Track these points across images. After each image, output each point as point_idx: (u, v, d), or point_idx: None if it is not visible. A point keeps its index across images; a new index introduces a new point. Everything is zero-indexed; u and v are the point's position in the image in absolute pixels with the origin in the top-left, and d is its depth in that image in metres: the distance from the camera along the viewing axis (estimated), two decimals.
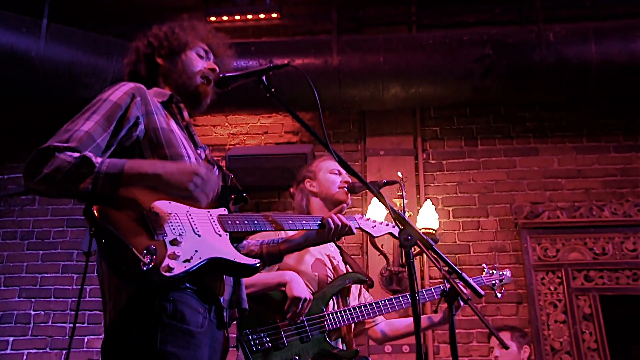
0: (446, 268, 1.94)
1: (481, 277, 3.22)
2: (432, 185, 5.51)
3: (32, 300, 5.38)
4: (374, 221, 2.62)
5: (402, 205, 4.46)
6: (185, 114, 2.14)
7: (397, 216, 1.90)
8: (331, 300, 2.81)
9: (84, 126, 1.80)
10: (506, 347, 2.16)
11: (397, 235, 2.62)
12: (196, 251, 1.77)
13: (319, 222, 2.29)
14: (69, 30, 5.15)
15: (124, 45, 5.23)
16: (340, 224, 2.30)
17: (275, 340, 2.63)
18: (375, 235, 2.60)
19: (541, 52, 4.97)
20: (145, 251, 1.67)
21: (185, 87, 2.15)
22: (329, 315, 2.75)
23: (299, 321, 2.66)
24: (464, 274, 1.92)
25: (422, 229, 4.82)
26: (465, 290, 2.09)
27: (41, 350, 5.20)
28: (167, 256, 1.70)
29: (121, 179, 1.74)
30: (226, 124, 5.92)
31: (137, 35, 2.27)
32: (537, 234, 5.15)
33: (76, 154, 1.73)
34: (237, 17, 5.73)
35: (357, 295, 3.03)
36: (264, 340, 2.62)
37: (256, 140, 5.83)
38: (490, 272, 3.25)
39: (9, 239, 5.60)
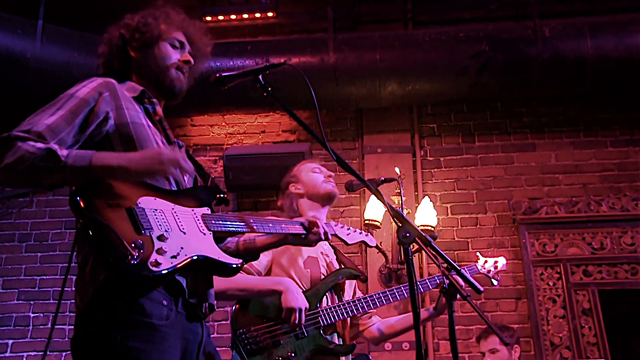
0: (445, 265, 1.94)
1: (475, 265, 3.23)
2: (430, 182, 5.51)
3: (31, 302, 5.36)
4: (349, 228, 2.67)
5: (400, 202, 4.49)
6: (158, 108, 2.11)
7: (395, 213, 1.90)
8: (325, 297, 2.82)
9: (47, 120, 1.79)
10: (506, 343, 2.16)
11: (369, 243, 2.75)
12: (182, 248, 1.77)
13: (300, 225, 2.28)
14: (64, 31, 5.14)
15: None
16: (323, 231, 2.30)
17: (270, 338, 2.65)
18: (349, 242, 2.67)
19: (537, 48, 4.98)
20: (133, 245, 1.66)
21: (159, 81, 2.12)
22: (323, 312, 2.76)
23: (298, 330, 2.67)
24: (462, 270, 1.93)
25: (421, 226, 4.82)
26: (463, 286, 2.10)
27: (41, 353, 5.19)
28: (155, 251, 1.69)
29: (88, 172, 1.71)
30: (223, 124, 5.91)
31: (109, 27, 2.24)
32: (536, 230, 5.15)
33: (40, 144, 1.70)
34: (233, 17, 5.73)
35: (352, 292, 3.04)
36: (259, 339, 2.63)
37: (254, 139, 5.83)
38: (485, 259, 3.27)
39: (7, 242, 5.59)
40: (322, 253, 2.95)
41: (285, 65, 2.16)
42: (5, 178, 1.71)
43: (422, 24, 5.90)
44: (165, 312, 1.77)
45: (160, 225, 1.77)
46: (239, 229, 2.06)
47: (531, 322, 4.89)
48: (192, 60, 2.17)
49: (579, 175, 5.40)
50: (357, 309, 2.84)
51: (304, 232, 2.27)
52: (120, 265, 1.63)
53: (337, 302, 2.87)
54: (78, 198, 1.69)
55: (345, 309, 2.82)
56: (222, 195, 2.07)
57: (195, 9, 5.71)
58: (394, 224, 2.06)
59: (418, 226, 4.70)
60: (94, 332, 1.72)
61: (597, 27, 5.00)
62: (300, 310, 2.59)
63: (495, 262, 3.27)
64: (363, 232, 2.75)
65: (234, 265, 1.92)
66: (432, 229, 4.86)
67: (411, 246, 1.88)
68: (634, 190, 5.25)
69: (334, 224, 2.55)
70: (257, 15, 5.73)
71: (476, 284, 1.93)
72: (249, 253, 2.26)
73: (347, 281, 2.98)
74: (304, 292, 2.73)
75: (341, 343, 2.82)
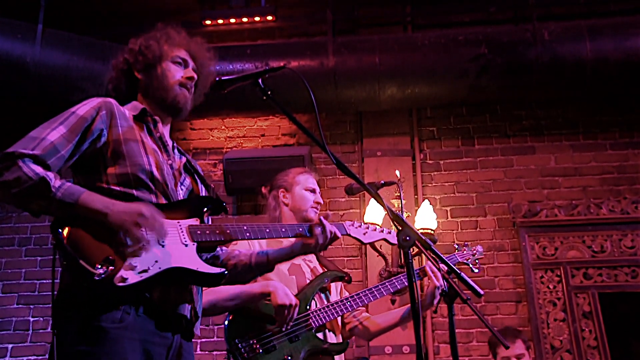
0: (445, 268, 1.94)
1: (454, 254, 3.27)
2: (429, 185, 5.51)
3: (31, 306, 5.36)
4: (367, 227, 2.63)
5: (400, 205, 4.48)
6: (160, 126, 2.18)
7: (395, 217, 1.90)
8: (313, 300, 2.88)
9: (49, 136, 1.88)
10: (506, 347, 2.15)
11: (391, 240, 2.66)
12: (156, 261, 1.82)
13: (301, 229, 2.26)
14: (64, 35, 5.14)
15: (119, 49, 5.18)
16: (331, 231, 2.26)
17: (264, 344, 2.69)
18: (365, 241, 2.63)
19: (536, 51, 4.98)
20: (102, 262, 1.74)
21: (163, 99, 2.19)
22: (313, 313, 2.82)
23: (289, 328, 2.71)
24: (462, 274, 1.93)
25: (420, 229, 4.81)
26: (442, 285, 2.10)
27: (40, 357, 5.19)
28: (123, 267, 1.76)
29: (73, 208, 1.80)
30: (223, 127, 5.91)
31: (129, 41, 2.30)
32: (535, 233, 5.15)
33: (38, 169, 1.79)
34: (233, 20, 5.72)
35: (338, 294, 3.11)
36: (254, 346, 2.68)
37: (253, 143, 5.83)
38: (462, 249, 3.32)
39: (6, 246, 5.59)
40: (304, 260, 3.00)
41: (285, 69, 2.16)
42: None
43: (421, 27, 5.91)
44: (119, 315, 1.79)
45: (138, 239, 1.81)
46: (228, 237, 2.07)
47: (531, 325, 4.89)
48: (195, 76, 2.24)
49: (578, 178, 5.40)
50: (347, 308, 2.89)
51: (309, 236, 2.24)
52: (86, 284, 1.72)
53: (325, 303, 2.92)
54: (59, 229, 1.80)
55: (335, 309, 2.87)
56: (215, 205, 2.10)
57: (195, 13, 5.71)
58: (393, 227, 2.05)
59: (418, 229, 4.69)
60: (56, 336, 1.81)
61: (596, 30, 5.00)
62: (291, 306, 2.63)
63: (473, 249, 3.32)
64: (385, 229, 2.69)
65: (216, 274, 1.93)
66: (432, 232, 4.85)
67: (411, 249, 1.88)
68: (633, 193, 5.25)
69: (348, 224, 2.52)
70: (257, 19, 5.73)
71: (476, 287, 1.93)
72: (260, 267, 2.28)
73: (332, 284, 3.05)
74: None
75: (335, 341, 2.87)
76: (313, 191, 3.12)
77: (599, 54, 4.94)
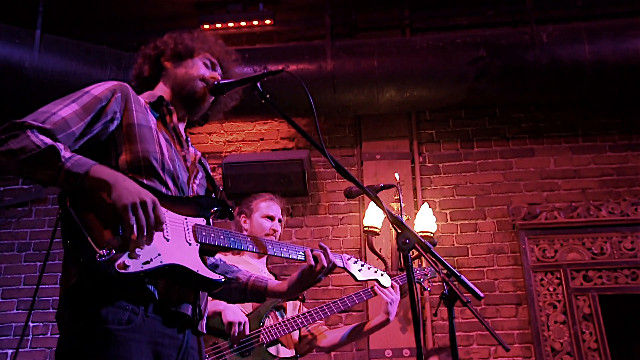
0: (445, 271, 1.94)
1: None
2: (429, 188, 5.51)
3: (31, 312, 5.35)
4: (362, 265, 2.64)
5: (399, 209, 4.48)
6: (175, 116, 2.14)
7: (394, 220, 1.90)
8: (267, 317, 3.10)
9: (61, 111, 1.83)
10: (507, 349, 2.15)
11: (383, 283, 2.74)
12: (159, 254, 1.77)
13: (302, 252, 2.20)
14: (62, 40, 5.14)
15: (118, 54, 5.23)
16: (332, 262, 2.21)
17: (217, 358, 2.87)
18: (358, 279, 2.63)
19: (535, 53, 4.99)
20: (105, 244, 1.68)
21: (181, 88, 2.16)
22: (265, 330, 3.02)
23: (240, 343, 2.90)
24: (462, 276, 1.92)
25: (420, 232, 4.80)
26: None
27: None
28: (127, 254, 1.70)
29: (82, 180, 1.72)
30: (222, 131, 5.91)
31: (131, 44, 2.31)
32: (535, 235, 5.15)
33: (47, 139, 1.73)
34: (231, 25, 5.72)
35: (296, 311, 3.30)
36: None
37: (252, 147, 5.83)
38: (415, 268, 3.46)
39: (6, 251, 5.58)
40: None
41: (283, 73, 2.16)
42: (3, 160, 1.73)
43: (419, 31, 5.91)
44: (127, 317, 1.75)
45: (127, 222, 1.74)
46: (232, 245, 2.03)
47: (532, 328, 4.88)
48: (219, 78, 2.21)
49: (578, 180, 5.40)
50: (297, 325, 3.11)
51: (310, 264, 2.16)
52: (87, 263, 1.66)
53: (279, 320, 3.13)
54: (66, 197, 1.73)
55: (286, 325, 3.08)
56: (222, 209, 2.06)
57: (193, 17, 5.71)
58: (393, 230, 2.05)
59: (417, 232, 4.69)
60: (60, 340, 1.77)
61: (594, 32, 5.01)
62: (239, 323, 2.80)
63: (427, 270, 3.52)
64: (379, 270, 2.71)
65: (215, 280, 1.89)
66: (432, 235, 4.84)
67: (411, 252, 1.88)
68: (633, 195, 5.25)
69: (346, 257, 2.50)
70: (255, 23, 5.73)
71: (476, 289, 1.93)
72: (255, 294, 2.24)
73: (290, 302, 3.27)
74: (247, 315, 2.96)
75: (287, 355, 3.10)
76: (272, 218, 3.30)
77: (597, 57, 4.94)
